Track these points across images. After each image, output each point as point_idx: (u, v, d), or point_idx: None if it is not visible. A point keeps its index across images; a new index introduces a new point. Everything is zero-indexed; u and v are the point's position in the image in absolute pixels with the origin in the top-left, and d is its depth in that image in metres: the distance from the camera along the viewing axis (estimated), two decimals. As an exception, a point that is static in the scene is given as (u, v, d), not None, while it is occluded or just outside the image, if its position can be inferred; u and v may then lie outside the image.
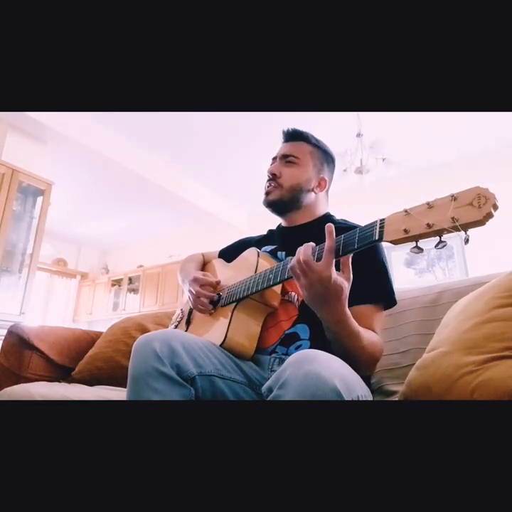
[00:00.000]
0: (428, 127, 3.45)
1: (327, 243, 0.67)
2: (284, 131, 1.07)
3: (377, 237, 0.62)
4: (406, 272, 3.92)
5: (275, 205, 1.02)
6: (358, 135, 3.07)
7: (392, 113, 3.17)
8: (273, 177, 1.01)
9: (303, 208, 1.01)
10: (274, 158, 1.06)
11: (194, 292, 0.97)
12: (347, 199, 3.75)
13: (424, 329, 1.06)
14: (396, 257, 4.22)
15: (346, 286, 0.69)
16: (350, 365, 0.74)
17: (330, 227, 0.68)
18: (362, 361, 0.77)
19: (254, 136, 3.49)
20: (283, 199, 1.00)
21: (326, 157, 1.06)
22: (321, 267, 0.66)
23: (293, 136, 1.05)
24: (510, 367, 0.61)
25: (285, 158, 1.02)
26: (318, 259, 0.68)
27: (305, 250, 0.69)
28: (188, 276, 1.04)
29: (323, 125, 3.33)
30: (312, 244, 0.71)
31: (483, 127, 3.45)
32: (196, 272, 1.05)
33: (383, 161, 2.92)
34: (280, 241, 1.03)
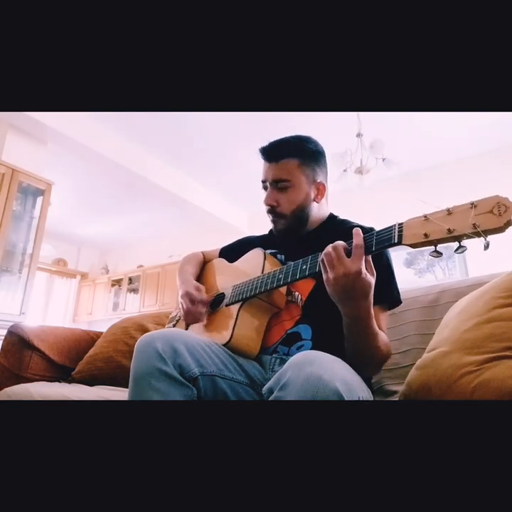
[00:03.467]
0: (428, 127, 3.44)
1: (356, 240, 0.68)
2: (261, 150, 0.96)
3: (396, 241, 0.63)
4: (406, 272, 3.93)
5: (286, 234, 0.97)
6: (358, 135, 3.07)
7: (392, 113, 3.17)
8: (272, 208, 0.95)
9: (310, 221, 0.97)
10: (264, 182, 0.97)
11: (185, 308, 0.96)
12: (347, 199, 3.75)
13: (424, 329, 1.06)
14: (396, 257, 4.22)
15: (373, 282, 0.69)
16: (361, 365, 0.75)
17: (357, 229, 0.69)
18: (374, 362, 0.78)
19: (255, 137, 3.49)
20: (290, 226, 0.96)
21: (314, 158, 0.96)
22: (351, 262, 0.67)
23: (275, 155, 0.94)
24: (510, 367, 0.61)
25: (276, 184, 0.94)
26: (347, 256, 0.68)
27: (337, 244, 0.69)
28: (184, 283, 1.02)
29: (323, 125, 3.33)
30: (342, 242, 0.70)
31: (483, 127, 3.44)
32: (191, 282, 1.02)
33: (383, 161, 2.92)
34: (281, 244, 1.01)
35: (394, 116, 3.28)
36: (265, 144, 0.97)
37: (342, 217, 1.04)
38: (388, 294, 0.87)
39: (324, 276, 0.70)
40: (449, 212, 0.58)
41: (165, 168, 4.13)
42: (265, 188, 0.98)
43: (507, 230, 0.53)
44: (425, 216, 0.61)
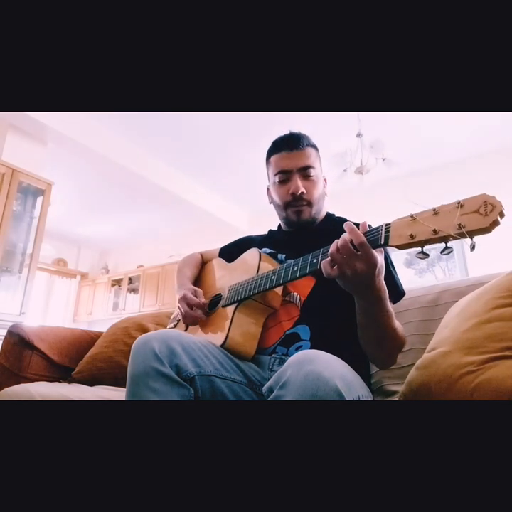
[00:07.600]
0: (428, 127, 3.44)
1: (357, 238, 0.64)
2: (282, 141, 0.98)
3: (382, 242, 0.62)
4: (406, 272, 3.93)
5: (308, 224, 0.97)
6: (358, 135, 3.07)
7: (392, 113, 3.17)
8: (300, 195, 0.94)
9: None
10: (287, 172, 0.95)
11: (183, 312, 0.97)
12: (347, 199, 3.75)
13: (424, 329, 1.06)
14: (396, 257, 4.22)
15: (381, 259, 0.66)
16: (382, 351, 0.74)
17: (348, 224, 0.66)
18: (396, 344, 0.77)
19: (255, 137, 3.49)
20: (315, 215, 0.97)
21: (319, 153, 1.01)
22: (365, 254, 0.63)
23: (298, 143, 0.95)
24: (510, 367, 0.61)
25: (303, 171, 0.94)
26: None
27: (345, 239, 0.65)
28: (182, 286, 1.04)
29: (323, 125, 3.33)
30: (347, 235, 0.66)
31: (483, 128, 3.44)
32: (188, 286, 1.03)
33: (383, 161, 2.92)
34: (281, 243, 1.02)
35: (394, 116, 3.28)
36: (279, 137, 0.99)
37: (341, 216, 1.05)
38: (392, 288, 0.86)
39: (339, 276, 0.66)
40: (435, 211, 0.56)
41: (165, 168, 4.14)
42: (284, 179, 0.96)
43: (493, 231, 0.50)
44: (412, 216, 0.59)
